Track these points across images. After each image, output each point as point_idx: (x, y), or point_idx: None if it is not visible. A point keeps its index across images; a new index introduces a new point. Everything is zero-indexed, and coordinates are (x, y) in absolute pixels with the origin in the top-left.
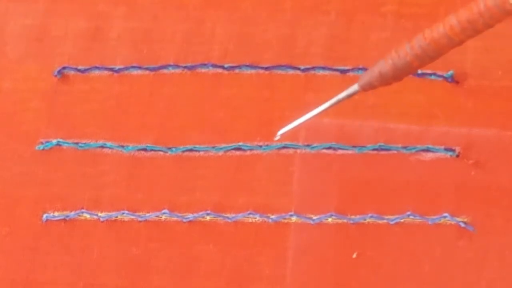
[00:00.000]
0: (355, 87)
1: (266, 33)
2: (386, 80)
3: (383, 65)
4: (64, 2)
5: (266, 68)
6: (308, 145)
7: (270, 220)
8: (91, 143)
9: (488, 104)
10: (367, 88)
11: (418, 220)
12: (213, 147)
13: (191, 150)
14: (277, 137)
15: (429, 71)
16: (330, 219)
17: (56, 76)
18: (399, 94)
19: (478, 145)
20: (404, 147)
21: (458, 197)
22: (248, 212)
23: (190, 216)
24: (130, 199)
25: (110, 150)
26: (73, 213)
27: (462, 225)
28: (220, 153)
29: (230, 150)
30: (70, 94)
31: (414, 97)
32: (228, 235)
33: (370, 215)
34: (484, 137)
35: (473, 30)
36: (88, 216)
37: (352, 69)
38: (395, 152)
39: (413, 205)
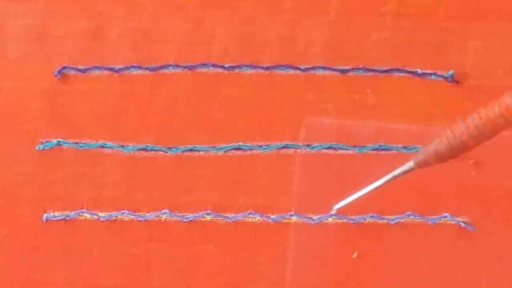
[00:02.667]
0: (410, 164)
1: (266, 33)
2: (441, 158)
3: (439, 144)
4: (64, 2)
5: (266, 68)
6: (308, 145)
7: (270, 220)
8: (91, 143)
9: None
10: (422, 165)
11: (418, 220)
12: (213, 147)
13: (191, 150)
14: (333, 211)
15: (429, 71)
16: (330, 219)
17: (56, 76)
18: (399, 94)
19: (478, 145)
20: (404, 147)
21: (458, 197)
22: (248, 212)
23: (190, 216)
24: (130, 199)
25: (110, 150)
26: (73, 213)
27: (462, 225)
28: (220, 153)
29: (230, 150)
30: (70, 94)
31: (414, 97)
32: (228, 235)
33: (370, 215)
34: None
35: None
36: (88, 216)
37: (352, 69)
38: (395, 152)
39: (413, 205)
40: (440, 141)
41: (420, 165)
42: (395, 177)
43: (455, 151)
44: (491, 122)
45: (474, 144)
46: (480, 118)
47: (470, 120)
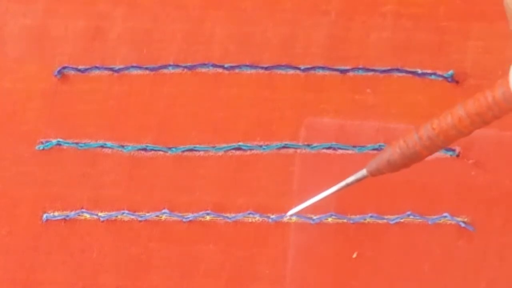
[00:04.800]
0: (363, 172)
1: (266, 33)
2: (394, 168)
3: (392, 154)
4: (64, 2)
5: (266, 68)
6: (308, 145)
7: (270, 220)
8: (91, 143)
9: None
10: (375, 173)
11: (418, 220)
12: (213, 147)
13: (191, 150)
14: (287, 217)
15: (429, 71)
16: (330, 219)
17: (56, 76)
18: (399, 94)
19: (478, 145)
20: None
21: (458, 197)
22: (248, 212)
23: (190, 216)
24: (130, 199)
25: (110, 150)
26: (73, 213)
27: (462, 225)
28: (220, 153)
29: (230, 150)
30: (70, 94)
31: (414, 97)
32: (228, 235)
33: (370, 215)
34: (484, 137)
35: (482, 122)
36: (88, 216)
37: (352, 69)
38: None
39: (413, 205)
40: (393, 151)
41: (373, 174)
42: (348, 185)
43: (408, 161)
44: (444, 133)
45: (428, 154)
46: (433, 129)
47: (423, 131)
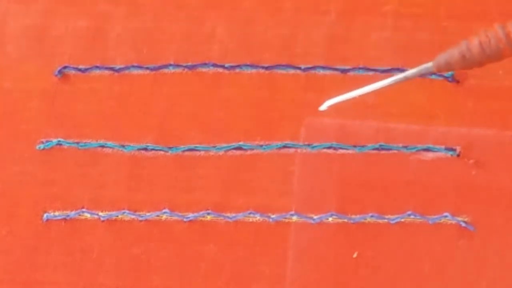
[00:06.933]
0: (429, 66)
1: (266, 33)
2: (468, 64)
3: (467, 49)
4: (64, 2)
5: (267, 68)
6: (308, 145)
7: (270, 220)
8: (92, 142)
9: (488, 104)
10: (442, 69)
11: (418, 219)
12: (214, 147)
13: (191, 149)
14: (323, 107)
15: None
16: (330, 219)
17: (56, 75)
18: (399, 93)
19: (479, 145)
20: (405, 147)
21: (459, 196)
22: (249, 211)
23: (190, 215)
24: (130, 198)
25: (110, 149)
26: (73, 212)
27: (463, 224)
28: (221, 152)
29: (230, 149)
30: (71, 93)
31: (414, 97)
32: (228, 234)
33: (370, 214)
34: (484, 137)
35: None
36: (88, 215)
37: (353, 69)
38: (396, 151)
39: (413, 204)
40: (471, 46)
41: (440, 69)
42: (407, 78)
43: (486, 59)
44: None
45: (510, 53)
46: None
47: (510, 26)
